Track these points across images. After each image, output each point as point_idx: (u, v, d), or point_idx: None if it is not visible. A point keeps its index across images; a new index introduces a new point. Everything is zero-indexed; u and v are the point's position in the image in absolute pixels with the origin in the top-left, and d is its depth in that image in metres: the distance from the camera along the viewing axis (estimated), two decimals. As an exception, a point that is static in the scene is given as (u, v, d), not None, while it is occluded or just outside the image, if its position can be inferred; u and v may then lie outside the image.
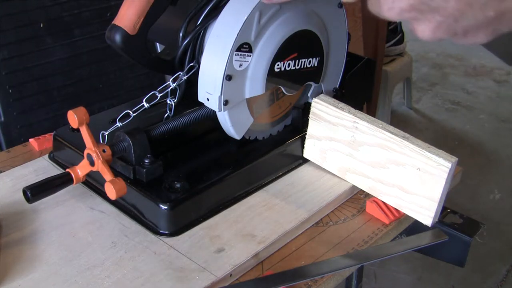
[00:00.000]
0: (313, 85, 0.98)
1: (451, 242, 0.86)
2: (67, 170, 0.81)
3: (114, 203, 0.86)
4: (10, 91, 1.49)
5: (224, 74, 0.82)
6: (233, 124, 0.88)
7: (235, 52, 0.82)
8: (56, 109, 1.57)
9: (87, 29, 1.59)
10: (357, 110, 0.88)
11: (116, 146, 0.82)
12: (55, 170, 0.94)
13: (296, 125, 0.99)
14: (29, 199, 0.78)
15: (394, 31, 2.48)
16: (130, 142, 0.82)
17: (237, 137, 0.91)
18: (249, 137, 0.94)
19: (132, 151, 0.82)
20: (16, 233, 0.81)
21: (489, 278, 1.92)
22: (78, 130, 0.80)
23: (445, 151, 0.80)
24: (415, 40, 3.54)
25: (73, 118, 0.78)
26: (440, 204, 0.81)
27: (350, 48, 1.03)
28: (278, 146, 0.95)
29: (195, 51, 0.87)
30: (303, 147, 0.96)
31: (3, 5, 1.42)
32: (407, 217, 0.86)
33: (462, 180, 1.01)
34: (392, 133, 0.83)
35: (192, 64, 0.87)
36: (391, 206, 0.87)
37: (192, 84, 0.88)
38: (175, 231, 0.81)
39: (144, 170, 0.82)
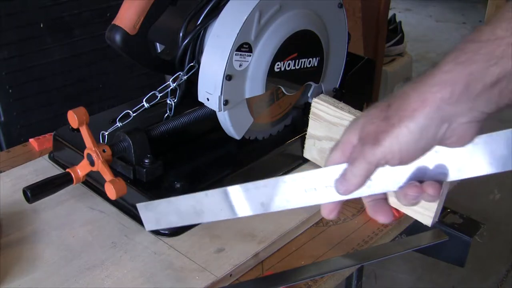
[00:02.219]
0: (313, 85, 0.98)
1: (451, 242, 0.86)
2: (67, 170, 0.81)
3: (114, 203, 0.86)
4: (10, 91, 1.49)
5: (224, 74, 0.82)
6: (233, 124, 0.88)
7: (235, 52, 0.82)
8: (56, 109, 1.57)
9: (87, 29, 1.59)
10: (357, 110, 0.88)
11: (116, 146, 0.82)
12: (55, 170, 0.94)
13: (296, 125, 0.99)
14: (29, 199, 0.78)
15: (394, 31, 2.48)
16: (130, 142, 0.82)
17: (237, 137, 0.91)
18: (249, 137, 0.93)
19: (132, 151, 0.82)
20: (16, 233, 0.81)
21: (489, 278, 1.92)
22: (78, 130, 0.80)
23: (445, 151, 0.80)
24: (415, 40, 3.54)
25: (73, 118, 0.78)
26: (440, 204, 0.81)
27: (350, 48, 1.03)
28: (278, 146, 0.95)
29: (195, 51, 0.87)
30: (303, 147, 0.96)
31: (3, 5, 1.42)
32: (407, 217, 0.86)
33: (462, 180, 1.00)
34: (392, 133, 0.83)
35: (192, 64, 0.87)
36: (391, 206, 0.87)
37: (192, 84, 0.88)
38: (175, 231, 0.81)
39: (144, 170, 0.82)
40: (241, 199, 0.59)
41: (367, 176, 0.51)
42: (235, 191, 0.59)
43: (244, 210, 0.59)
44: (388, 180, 0.52)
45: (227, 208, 0.61)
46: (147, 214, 0.69)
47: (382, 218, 0.55)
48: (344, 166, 0.52)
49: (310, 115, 0.92)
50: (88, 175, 0.81)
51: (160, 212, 0.68)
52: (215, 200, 0.61)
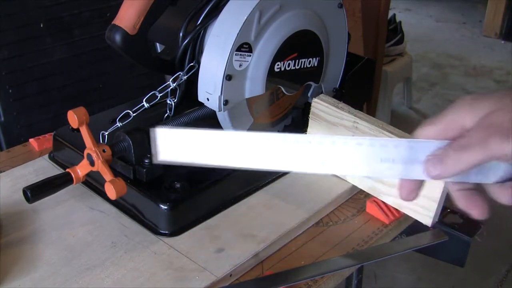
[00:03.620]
0: (313, 85, 0.98)
1: (451, 242, 0.85)
2: (67, 170, 0.81)
3: (114, 203, 0.86)
4: (10, 91, 1.49)
5: (224, 74, 0.82)
6: (233, 124, 0.88)
7: (235, 52, 0.82)
8: (56, 109, 1.57)
9: (87, 29, 1.59)
10: (357, 110, 0.88)
11: (116, 146, 0.82)
12: (55, 170, 0.94)
13: (296, 125, 0.99)
14: (29, 199, 0.78)
15: (394, 31, 2.48)
16: (130, 142, 0.82)
17: (237, 137, 0.90)
18: (249, 137, 0.93)
19: (132, 151, 0.82)
20: (16, 233, 0.81)
21: (489, 278, 1.92)
22: (78, 130, 0.80)
23: (445, 151, 0.80)
24: (415, 40, 3.54)
25: (73, 118, 0.78)
26: (440, 204, 0.81)
27: (350, 48, 1.03)
28: (278, 146, 0.95)
29: (195, 51, 0.87)
30: (303, 147, 0.96)
31: (3, 5, 1.42)
32: (407, 217, 0.86)
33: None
34: (392, 133, 0.83)
35: (192, 64, 0.87)
36: (391, 206, 0.87)
37: (192, 84, 0.88)
38: (175, 231, 0.81)
39: (144, 170, 0.82)
40: (301, 152, 0.50)
41: (474, 167, 0.44)
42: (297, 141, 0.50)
43: (301, 166, 0.51)
44: (489, 169, 0.45)
45: (279, 157, 0.52)
46: (165, 142, 0.57)
47: (476, 212, 0.48)
48: (438, 144, 0.45)
49: (310, 115, 0.92)
50: (88, 175, 0.81)
51: (187, 143, 0.57)
52: (265, 145, 0.53)
